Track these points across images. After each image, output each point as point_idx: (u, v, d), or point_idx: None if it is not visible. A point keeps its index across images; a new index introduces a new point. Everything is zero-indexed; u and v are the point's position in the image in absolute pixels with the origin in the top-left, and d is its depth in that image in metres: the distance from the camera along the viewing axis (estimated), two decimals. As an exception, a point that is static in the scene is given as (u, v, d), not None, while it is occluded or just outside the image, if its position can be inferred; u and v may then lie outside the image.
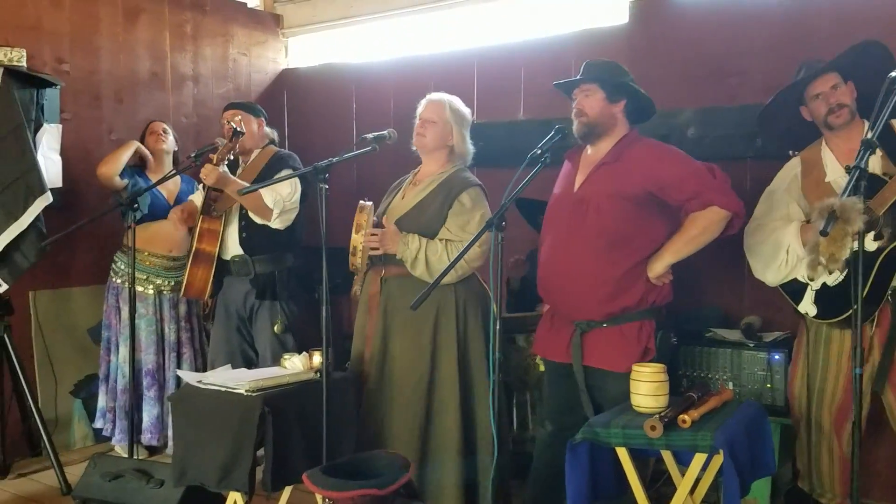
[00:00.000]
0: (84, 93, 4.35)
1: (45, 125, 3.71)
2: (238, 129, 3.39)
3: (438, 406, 3.04)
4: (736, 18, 3.67)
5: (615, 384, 2.70)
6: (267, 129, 3.76)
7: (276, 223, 3.52)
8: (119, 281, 3.99)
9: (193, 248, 3.51)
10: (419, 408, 3.03)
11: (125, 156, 3.93)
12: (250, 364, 3.66)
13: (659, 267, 2.72)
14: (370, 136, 3.08)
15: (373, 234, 2.95)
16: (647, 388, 2.48)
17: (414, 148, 3.20)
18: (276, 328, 3.56)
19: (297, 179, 3.53)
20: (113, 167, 3.87)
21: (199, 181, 3.63)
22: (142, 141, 4.10)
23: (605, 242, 2.69)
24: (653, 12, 3.94)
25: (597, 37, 4.07)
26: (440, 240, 2.97)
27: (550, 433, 2.95)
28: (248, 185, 3.28)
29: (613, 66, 2.87)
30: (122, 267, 3.97)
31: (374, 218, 3.04)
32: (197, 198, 3.78)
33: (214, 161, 3.27)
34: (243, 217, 3.58)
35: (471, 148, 3.15)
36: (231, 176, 3.40)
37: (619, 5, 4.12)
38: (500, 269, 2.42)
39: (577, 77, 2.87)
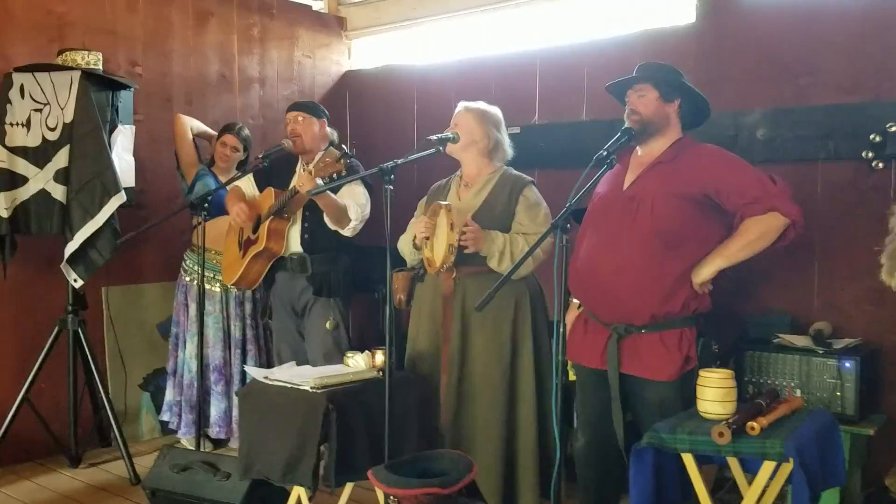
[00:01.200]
0: (156, 95, 4.49)
1: (119, 126, 3.82)
2: (348, 152, 3.38)
3: (518, 399, 3.11)
4: (810, 16, 3.58)
5: (656, 392, 2.65)
6: (328, 130, 3.79)
7: (347, 231, 3.58)
8: (188, 279, 4.11)
9: (262, 247, 3.57)
10: (503, 401, 3.09)
11: (202, 127, 4.24)
12: None
13: (706, 272, 2.64)
14: (434, 137, 3.13)
15: (467, 232, 2.96)
16: (715, 393, 2.43)
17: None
18: (328, 325, 3.61)
19: (366, 191, 3.60)
20: (191, 123, 4.19)
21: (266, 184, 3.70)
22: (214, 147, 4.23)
23: (660, 243, 2.64)
24: (721, 11, 3.87)
25: (663, 36, 4.01)
26: (518, 234, 3.05)
27: (585, 444, 2.90)
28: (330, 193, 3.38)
29: (667, 68, 2.84)
30: (191, 265, 4.08)
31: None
32: (244, 184, 3.82)
33: (313, 174, 3.26)
34: (306, 219, 3.64)
35: (503, 142, 3.23)
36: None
37: (685, 4, 4.06)
38: (564, 271, 2.39)
39: (630, 77, 2.83)
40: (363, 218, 3.60)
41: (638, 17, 4.28)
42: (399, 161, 2.87)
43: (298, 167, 3.71)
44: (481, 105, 3.25)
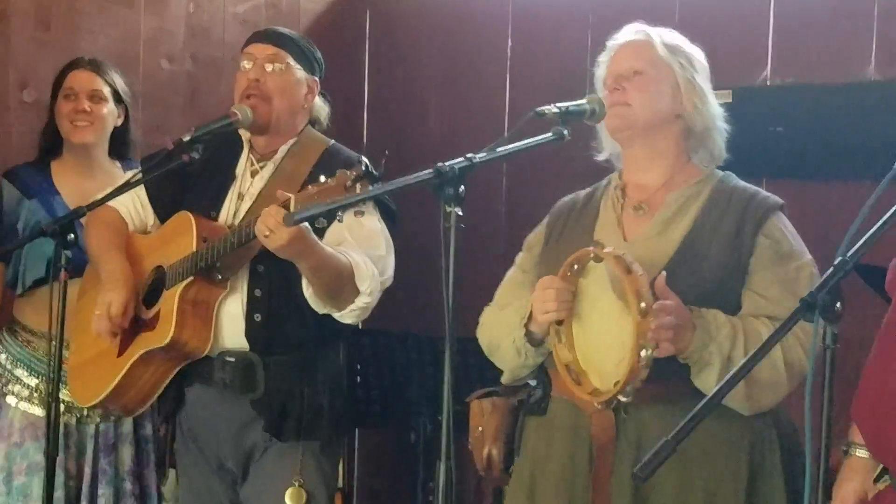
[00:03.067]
0: None
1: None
2: (371, 170, 2.00)
3: None
4: None
5: None
6: (317, 100, 2.38)
7: (349, 316, 2.23)
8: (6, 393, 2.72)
9: (168, 339, 2.19)
10: None
11: None
12: None
13: None
14: (552, 108, 1.84)
15: (668, 313, 1.81)
16: None
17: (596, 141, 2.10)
18: (289, 497, 2.27)
19: (384, 226, 2.26)
20: None
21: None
22: (51, 107, 2.69)
23: None
24: None
25: None
26: (759, 317, 1.94)
27: None
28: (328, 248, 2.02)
29: None
30: (10, 365, 2.67)
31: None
32: (125, 203, 2.38)
33: (291, 206, 1.93)
34: (260, 281, 2.24)
35: (717, 120, 2.07)
36: (316, 240, 2.09)
37: None
38: (828, 391, 1.47)
39: None
40: (382, 286, 2.25)
41: None
42: (476, 157, 1.73)
43: (242, 162, 2.32)
44: (682, 43, 2.06)
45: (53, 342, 2.11)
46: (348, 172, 1.87)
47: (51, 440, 2.10)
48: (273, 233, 1.94)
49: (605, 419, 1.92)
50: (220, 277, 2.20)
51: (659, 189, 2.02)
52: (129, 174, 2.37)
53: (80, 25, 2.98)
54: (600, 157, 2.09)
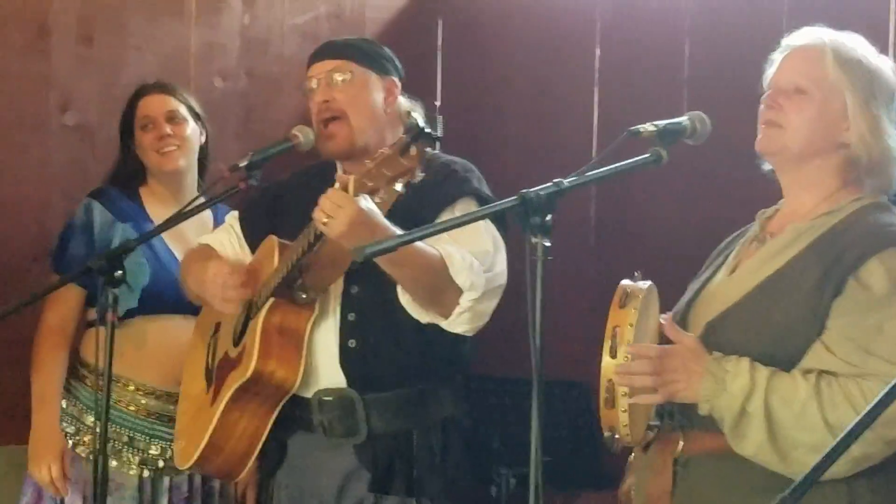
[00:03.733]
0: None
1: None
2: (426, 129, 1.80)
3: None
4: None
5: None
6: (402, 101, 2.14)
7: (459, 322, 1.98)
8: (71, 444, 2.47)
9: (250, 371, 2.00)
10: None
11: None
12: None
13: None
14: (648, 127, 1.71)
15: (642, 357, 1.68)
16: None
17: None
18: None
19: (494, 229, 2.00)
20: None
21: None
22: (130, 131, 2.42)
23: None
24: None
25: None
26: (807, 372, 1.68)
27: None
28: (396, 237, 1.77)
29: None
30: (78, 413, 2.47)
31: (663, 320, 1.81)
32: (220, 239, 2.23)
33: (353, 186, 1.74)
34: (353, 302, 2.04)
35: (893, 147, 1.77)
36: (385, 222, 1.87)
37: None
38: None
39: None
40: (491, 284, 1.98)
41: None
42: (565, 182, 1.60)
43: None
44: (862, 54, 1.77)
45: (101, 392, 1.95)
46: (403, 136, 1.70)
47: (98, 496, 1.93)
48: (332, 218, 1.75)
49: (666, 466, 1.80)
50: (304, 297, 2.00)
51: (795, 215, 1.78)
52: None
53: (126, 41, 2.77)
54: (765, 168, 1.84)
